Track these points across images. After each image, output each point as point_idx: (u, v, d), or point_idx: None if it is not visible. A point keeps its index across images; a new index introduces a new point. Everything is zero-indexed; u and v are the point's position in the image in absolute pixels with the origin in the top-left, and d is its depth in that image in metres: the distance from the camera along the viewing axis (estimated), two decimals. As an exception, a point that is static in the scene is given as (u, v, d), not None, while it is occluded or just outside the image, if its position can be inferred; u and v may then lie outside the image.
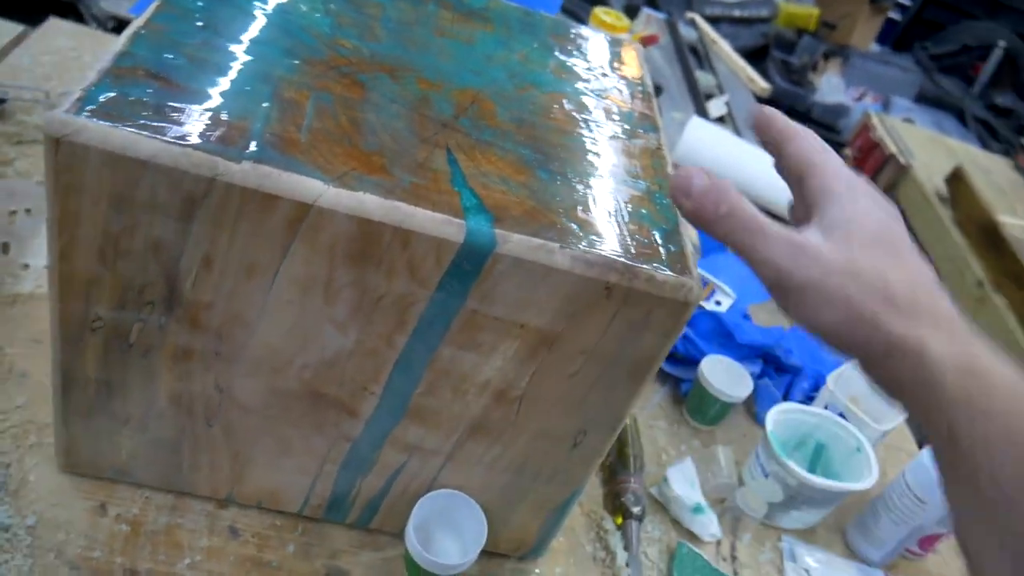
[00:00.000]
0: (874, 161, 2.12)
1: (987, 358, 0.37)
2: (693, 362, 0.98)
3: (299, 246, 0.51)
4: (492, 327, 0.55)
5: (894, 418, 0.95)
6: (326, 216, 0.49)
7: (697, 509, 0.83)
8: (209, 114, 0.50)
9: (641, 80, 0.76)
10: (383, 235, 0.50)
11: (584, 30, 0.80)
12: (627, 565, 0.75)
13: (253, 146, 0.49)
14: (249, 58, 0.56)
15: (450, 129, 0.58)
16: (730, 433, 0.98)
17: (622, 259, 0.53)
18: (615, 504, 0.80)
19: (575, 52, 0.76)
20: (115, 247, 0.51)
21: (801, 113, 3.18)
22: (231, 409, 0.61)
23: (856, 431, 0.90)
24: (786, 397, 1.01)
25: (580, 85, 0.71)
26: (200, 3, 0.59)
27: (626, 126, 0.68)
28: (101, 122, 0.46)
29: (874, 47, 4.15)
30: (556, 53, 0.74)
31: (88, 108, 0.47)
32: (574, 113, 0.66)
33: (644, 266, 0.53)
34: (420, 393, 0.60)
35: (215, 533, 0.67)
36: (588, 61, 0.75)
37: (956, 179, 1.84)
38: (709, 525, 0.83)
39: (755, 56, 2.99)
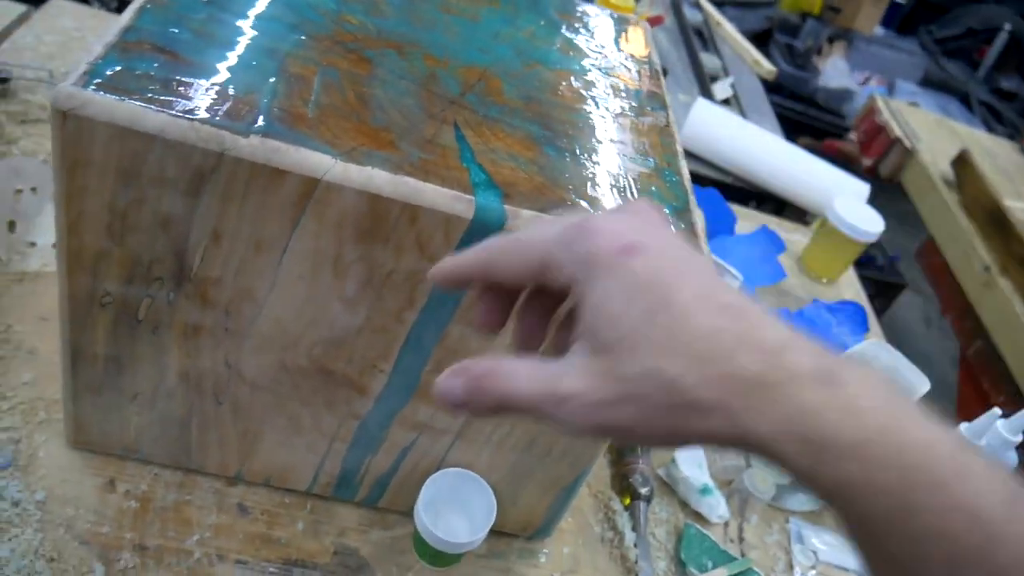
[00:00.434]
0: (879, 145, 2.11)
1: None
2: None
3: (308, 221, 0.50)
4: (501, 304, 0.55)
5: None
6: (334, 191, 0.49)
7: (705, 490, 0.83)
8: (216, 88, 0.49)
9: (649, 58, 0.76)
10: (392, 211, 0.50)
11: (590, 8, 0.80)
12: (635, 546, 0.75)
13: (261, 121, 0.49)
14: (255, 33, 0.55)
15: (457, 106, 0.57)
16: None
17: (632, 235, 0.52)
18: (623, 485, 0.80)
19: (582, 30, 0.75)
20: (123, 222, 0.51)
21: (805, 97, 3.16)
22: (240, 386, 0.61)
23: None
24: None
25: (587, 62, 0.70)
26: (206, -22, 0.58)
27: (634, 103, 0.68)
28: (108, 95, 0.46)
29: (879, 31, 4.12)
30: (563, 30, 0.73)
31: (95, 81, 0.46)
32: (582, 90, 0.66)
33: (654, 242, 0.52)
34: (429, 371, 0.59)
35: (224, 510, 0.67)
36: (595, 39, 0.75)
37: (962, 163, 1.83)
38: (717, 506, 0.83)
39: (759, 40, 2.97)
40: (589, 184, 0.55)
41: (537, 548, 0.74)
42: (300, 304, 0.55)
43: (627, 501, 0.79)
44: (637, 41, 0.78)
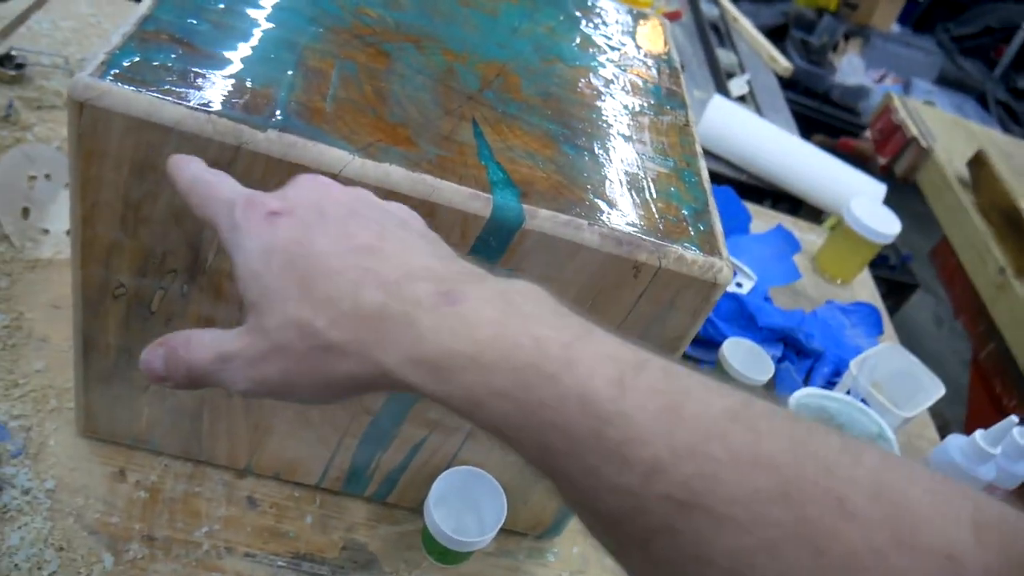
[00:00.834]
0: (895, 144, 2.09)
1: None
2: (714, 344, 0.97)
3: (323, 217, 0.50)
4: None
5: (916, 405, 0.94)
6: (352, 187, 0.48)
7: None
8: (233, 81, 0.49)
9: (668, 55, 0.75)
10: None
11: (609, 3, 0.79)
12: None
13: (278, 115, 0.48)
14: (272, 25, 0.55)
15: (475, 102, 0.57)
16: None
17: (651, 238, 0.52)
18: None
19: (601, 25, 0.74)
20: (136, 214, 0.50)
21: (820, 94, 3.14)
22: (251, 380, 0.60)
23: (878, 417, 0.89)
24: (806, 382, 1.01)
25: (606, 59, 0.69)
26: (224, -32, 0.58)
27: (653, 102, 0.67)
28: (125, 86, 0.45)
29: (895, 28, 4.08)
30: (582, 26, 0.73)
31: (112, 72, 0.46)
32: (600, 88, 0.65)
33: (674, 245, 0.52)
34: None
35: (233, 502, 0.67)
36: (614, 35, 0.74)
37: (978, 163, 1.81)
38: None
39: (774, 35, 2.95)
40: (607, 184, 0.55)
41: (546, 547, 0.74)
42: (314, 299, 0.55)
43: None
44: (656, 37, 0.77)
